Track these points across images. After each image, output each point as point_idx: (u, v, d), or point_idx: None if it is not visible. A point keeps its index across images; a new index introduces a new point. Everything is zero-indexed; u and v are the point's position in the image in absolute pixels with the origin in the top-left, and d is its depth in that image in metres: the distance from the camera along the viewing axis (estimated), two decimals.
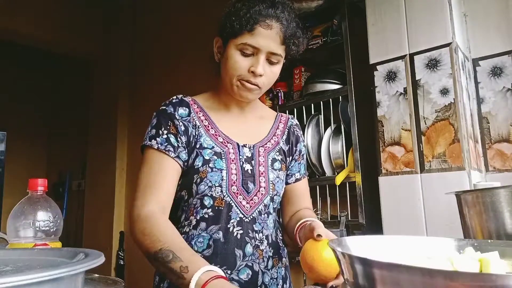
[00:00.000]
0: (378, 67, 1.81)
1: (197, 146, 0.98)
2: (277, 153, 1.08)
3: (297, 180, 1.14)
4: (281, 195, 1.09)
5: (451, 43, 1.63)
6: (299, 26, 0.99)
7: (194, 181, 0.97)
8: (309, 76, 2.19)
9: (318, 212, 2.00)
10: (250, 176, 1.00)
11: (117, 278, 0.76)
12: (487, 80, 1.76)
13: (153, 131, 0.99)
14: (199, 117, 1.02)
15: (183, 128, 0.99)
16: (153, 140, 0.97)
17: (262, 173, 1.02)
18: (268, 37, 0.93)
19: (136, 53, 3.70)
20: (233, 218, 0.97)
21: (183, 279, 0.77)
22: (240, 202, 0.98)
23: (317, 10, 2.07)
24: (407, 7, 1.76)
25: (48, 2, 3.45)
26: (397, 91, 1.75)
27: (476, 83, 1.79)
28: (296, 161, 1.14)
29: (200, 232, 0.96)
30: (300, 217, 1.03)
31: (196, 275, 0.74)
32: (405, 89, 1.73)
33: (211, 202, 0.97)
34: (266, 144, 1.07)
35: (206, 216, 0.96)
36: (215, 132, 1.01)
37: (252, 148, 1.03)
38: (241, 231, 0.97)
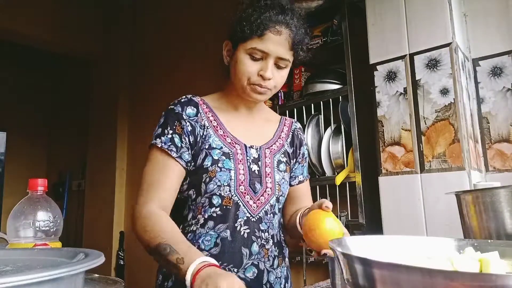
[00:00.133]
0: (378, 67, 1.81)
1: (206, 147, 1.00)
2: (282, 155, 1.11)
3: (300, 182, 1.17)
4: (285, 196, 1.11)
5: (451, 43, 1.63)
6: (307, 33, 1.02)
7: (203, 180, 0.98)
8: (309, 76, 2.19)
9: None
10: (257, 176, 1.03)
11: (117, 278, 0.76)
12: (487, 80, 1.76)
13: (159, 130, 1.01)
14: (208, 117, 1.04)
15: (190, 128, 1.00)
16: (158, 139, 0.99)
17: (268, 174, 1.05)
18: (277, 43, 0.96)
19: (136, 53, 3.70)
20: (240, 217, 0.99)
21: (180, 270, 0.81)
22: (248, 201, 1.00)
23: (317, 10, 2.07)
24: (407, 7, 1.76)
25: (48, 2, 3.44)
26: (397, 91, 1.75)
27: (476, 83, 1.79)
28: (299, 163, 1.17)
29: (207, 231, 0.98)
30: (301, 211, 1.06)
31: (192, 265, 0.79)
32: (405, 89, 1.73)
33: (220, 201, 0.99)
34: (272, 146, 1.10)
35: (214, 215, 0.99)
36: (223, 132, 1.04)
37: (258, 150, 1.06)
38: (248, 230, 1.00)
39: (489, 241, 0.69)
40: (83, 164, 4.07)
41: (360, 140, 1.90)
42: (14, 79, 4.81)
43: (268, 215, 1.03)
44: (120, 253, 3.39)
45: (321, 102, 2.07)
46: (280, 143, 1.12)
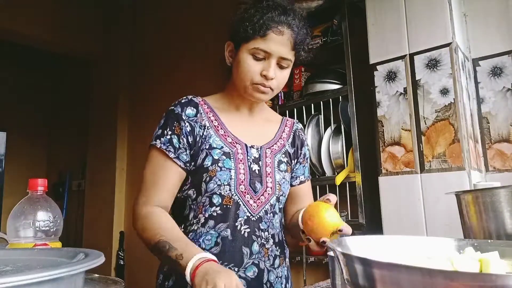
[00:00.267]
0: (378, 67, 1.81)
1: (207, 147, 1.01)
2: (283, 155, 1.11)
3: (301, 182, 1.17)
4: (286, 196, 1.11)
5: (451, 43, 1.63)
6: (309, 33, 1.04)
7: (204, 179, 0.99)
8: (309, 76, 2.19)
9: None
10: (258, 176, 1.03)
11: (117, 278, 0.76)
12: (487, 80, 1.76)
13: (159, 131, 1.03)
14: (209, 117, 1.05)
15: (189, 128, 1.01)
16: (157, 140, 1.01)
17: (269, 174, 1.05)
18: (279, 43, 0.98)
19: (136, 53, 3.70)
20: (240, 217, 1.00)
21: (179, 265, 0.84)
22: (248, 201, 1.01)
23: (317, 10, 2.07)
24: (407, 7, 1.76)
25: (48, 2, 3.44)
26: (397, 91, 1.75)
27: (476, 83, 1.79)
28: (301, 164, 1.18)
29: (208, 230, 0.99)
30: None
31: (191, 262, 0.81)
32: (405, 89, 1.73)
33: (220, 201, 0.99)
34: (272, 146, 1.10)
35: (215, 214, 0.99)
36: (224, 132, 1.04)
37: (259, 149, 1.07)
38: (248, 230, 1.00)
39: (489, 241, 0.69)
40: (83, 164, 4.07)
41: (360, 140, 1.90)
42: (14, 79, 4.81)
43: (268, 215, 1.04)
44: (120, 253, 3.39)
45: (321, 102, 2.07)
46: (281, 143, 1.13)
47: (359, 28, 1.96)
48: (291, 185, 1.16)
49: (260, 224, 1.02)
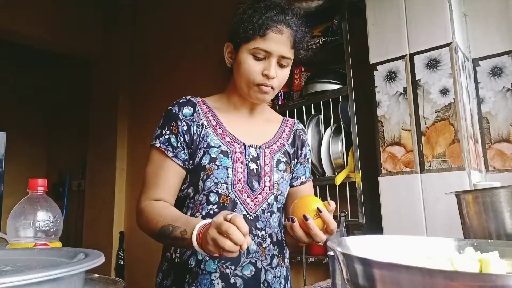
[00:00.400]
0: (378, 67, 1.81)
1: (204, 145, 1.02)
2: (282, 155, 1.11)
3: (302, 183, 1.17)
4: (285, 196, 1.11)
5: (451, 43, 1.63)
6: (307, 32, 1.05)
7: (201, 178, 1.00)
8: (309, 76, 2.19)
9: None
10: (255, 175, 1.04)
11: (117, 278, 0.76)
12: (487, 80, 1.76)
13: (159, 131, 1.05)
14: (207, 117, 1.06)
15: (185, 127, 1.02)
16: (157, 140, 1.04)
17: (267, 173, 1.05)
18: (279, 42, 0.99)
19: (136, 53, 3.70)
20: None
21: (186, 240, 0.87)
22: (245, 199, 1.01)
23: (317, 10, 2.07)
24: (407, 7, 1.76)
25: (48, 2, 3.44)
26: (397, 91, 1.75)
27: (476, 83, 1.79)
28: (301, 164, 1.18)
29: None
30: None
31: (194, 232, 0.84)
32: (405, 89, 1.73)
33: (217, 199, 1.00)
34: (272, 145, 1.10)
35: (212, 212, 1.00)
36: (222, 131, 1.05)
37: (258, 149, 1.07)
38: None
39: (489, 241, 0.69)
40: (83, 164, 4.07)
41: (360, 140, 1.90)
42: (14, 79, 4.81)
43: (266, 214, 1.04)
44: (120, 253, 3.39)
45: (321, 102, 2.07)
46: (280, 143, 1.13)
47: (359, 28, 1.96)
48: (292, 186, 1.16)
49: (257, 223, 1.02)
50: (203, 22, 3.03)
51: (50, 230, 0.84)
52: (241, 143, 1.05)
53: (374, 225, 1.81)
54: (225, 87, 1.14)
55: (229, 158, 1.02)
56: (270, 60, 0.99)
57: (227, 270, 0.97)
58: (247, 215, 1.01)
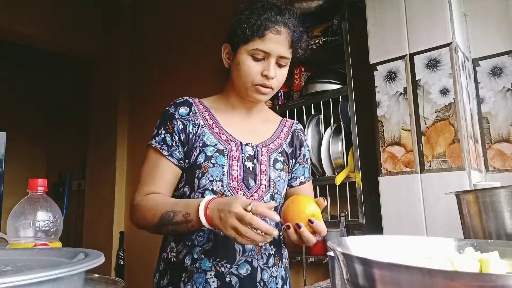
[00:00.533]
0: (378, 67, 1.81)
1: (200, 144, 1.03)
2: (280, 155, 1.11)
3: (301, 183, 1.17)
4: (282, 194, 1.11)
5: (451, 43, 1.63)
6: (305, 31, 1.06)
7: (196, 175, 1.01)
8: (309, 76, 2.19)
9: None
10: (251, 173, 1.04)
11: (117, 278, 0.76)
12: (487, 80, 1.76)
13: (155, 131, 1.06)
14: (204, 116, 1.07)
15: (181, 126, 1.03)
16: (153, 139, 1.05)
17: (263, 171, 1.05)
18: (277, 42, 1.00)
19: (136, 53, 3.70)
20: None
21: (190, 221, 0.89)
22: None
23: (317, 10, 2.07)
24: (407, 7, 1.76)
25: (48, 2, 3.44)
26: (397, 91, 1.75)
27: (476, 83, 1.79)
28: (300, 164, 1.17)
29: None
30: None
31: (201, 209, 0.87)
32: (405, 89, 1.73)
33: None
34: (269, 145, 1.10)
35: None
36: (219, 130, 1.06)
37: (255, 147, 1.07)
38: None
39: (489, 241, 0.69)
40: (83, 164, 4.07)
41: (360, 140, 1.90)
42: (14, 79, 4.81)
43: None
44: (120, 253, 3.39)
45: (321, 102, 2.07)
46: (278, 142, 1.13)
47: (359, 28, 1.96)
48: (291, 186, 1.16)
49: None
50: (203, 22, 3.03)
51: (50, 230, 0.84)
52: (237, 142, 1.05)
53: (374, 225, 1.81)
54: (223, 87, 1.14)
55: (225, 156, 1.02)
56: (269, 60, 1.00)
57: (223, 269, 0.97)
58: None
